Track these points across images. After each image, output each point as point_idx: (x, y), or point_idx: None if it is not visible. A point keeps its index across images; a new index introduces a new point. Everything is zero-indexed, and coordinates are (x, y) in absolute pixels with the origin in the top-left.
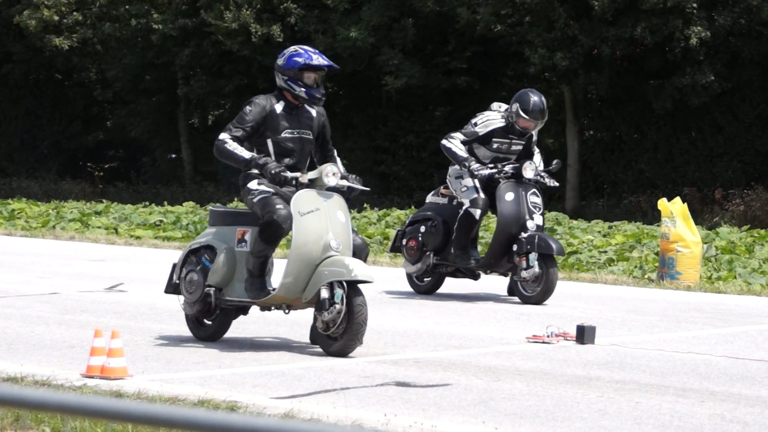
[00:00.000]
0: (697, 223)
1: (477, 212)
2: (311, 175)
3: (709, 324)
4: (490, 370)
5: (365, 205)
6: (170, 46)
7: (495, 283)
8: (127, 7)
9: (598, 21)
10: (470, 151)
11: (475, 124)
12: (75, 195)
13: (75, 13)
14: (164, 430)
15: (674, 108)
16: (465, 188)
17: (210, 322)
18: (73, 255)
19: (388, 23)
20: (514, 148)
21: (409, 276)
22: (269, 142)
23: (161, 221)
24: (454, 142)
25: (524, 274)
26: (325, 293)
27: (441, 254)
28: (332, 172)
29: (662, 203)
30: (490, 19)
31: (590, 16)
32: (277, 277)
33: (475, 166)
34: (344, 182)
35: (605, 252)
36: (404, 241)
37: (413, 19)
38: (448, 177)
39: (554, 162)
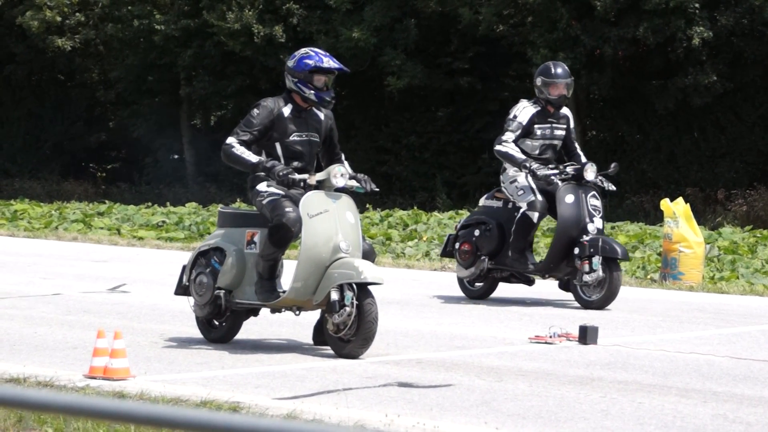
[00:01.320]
0: (699, 224)
1: (535, 215)
2: (319, 176)
3: (712, 324)
4: (493, 371)
5: (367, 206)
6: (173, 47)
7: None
8: (129, 7)
9: (600, 21)
10: (520, 149)
11: (515, 117)
12: (77, 196)
13: (77, 14)
14: (167, 430)
15: (677, 108)
16: (521, 191)
17: (221, 324)
18: (75, 256)
19: (390, 24)
20: (557, 132)
21: (461, 280)
22: (277, 145)
23: (164, 222)
24: (509, 145)
25: (587, 278)
26: (335, 295)
27: (496, 258)
28: (340, 173)
29: (665, 203)
30: (493, 20)
31: (592, 17)
32: (287, 279)
33: (535, 166)
34: (353, 183)
35: None
36: (457, 245)
37: (415, 20)
38: (501, 183)
39: (612, 165)
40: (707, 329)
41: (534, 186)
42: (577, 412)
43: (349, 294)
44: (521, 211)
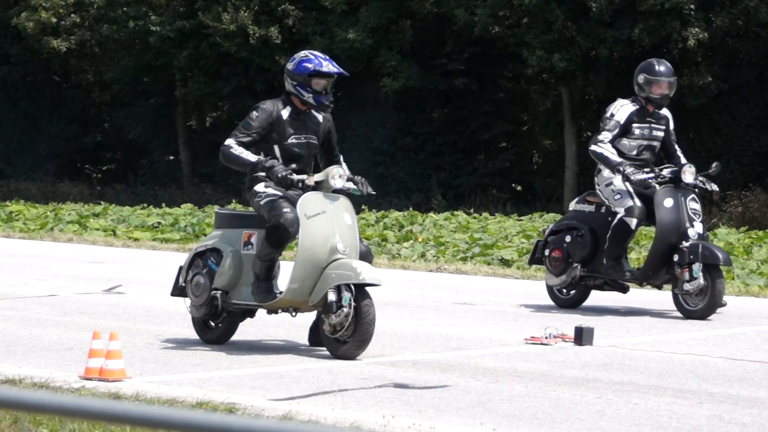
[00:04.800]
0: None
1: (633, 222)
2: (317, 177)
3: (707, 325)
4: (489, 372)
5: (363, 207)
6: (168, 48)
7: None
8: (124, 9)
9: (595, 22)
10: (616, 150)
11: (612, 115)
12: (73, 197)
13: (73, 15)
14: None
15: (672, 109)
16: (618, 195)
17: (217, 325)
18: (71, 257)
19: (385, 25)
20: (655, 132)
21: (550, 288)
22: (276, 148)
23: (159, 223)
24: (605, 146)
25: (687, 286)
26: (332, 296)
27: (588, 266)
28: (338, 174)
29: None
30: (488, 21)
31: (588, 18)
32: (283, 280)
33: (629, 170)
34: (350, 184)
35: None
36: (546, 252)
37: (411, 21)
38: (596, 185)
39: (713, 165)
40: (703, 330)
41: (632, 190)
42: (572, 413)
43: (346, 295)
44: (618, 216)
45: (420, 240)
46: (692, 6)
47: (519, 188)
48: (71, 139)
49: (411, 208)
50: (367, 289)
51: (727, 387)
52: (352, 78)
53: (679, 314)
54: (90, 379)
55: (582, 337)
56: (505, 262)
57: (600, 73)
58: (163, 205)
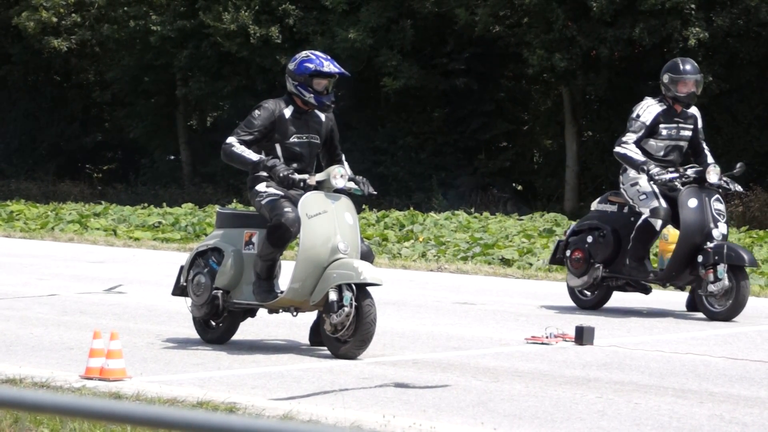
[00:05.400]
0: None
1: (658, 223)
2: (319, 177)
3: (708, 325)
4: (489, 371)
5: (363, 207)
6: (169, 48)
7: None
8: (125, 8)
9: (596, 22)
10: (642, 150)
11: (638, 116)
12: (74, 197)
13: (73, 15)
14: (163, 431)
15: None
16: (643, 195)
17: (218, 325)
18: (71, 257)
19: (386, 24)
20: (683, 132)
21: (572, 289)
22: (278, 147)
23: (160, 223)
24: (629, 147)
25: (712, 287)
26: (333, 296)
27: (611, 266)
28: (340, 174)
29: None
30: (489, 20)
31: (588, 17)
32: (285, 280)
33: (654, 170)
34: (351, 184)
35: None
36: (568, 253)
37: (411, 21)
38: (621, 184)
39: (738, 165)
40: (703, 330)
41: (657, 191)
42: (573, 412)
43: (348, 294)
44: (643, 217)
45: (421, 240)
46: (693, 5)
47: (520, 188)
48: (72, 138)
49: (412, 208)
50: (369, 288)
51: (728, 387)
52: (352, 78)
53: (679, 313)
54: (91, 379)
55: (583, 336)
56: (506, 262)
57: (600, 72)
58: (164, 204)
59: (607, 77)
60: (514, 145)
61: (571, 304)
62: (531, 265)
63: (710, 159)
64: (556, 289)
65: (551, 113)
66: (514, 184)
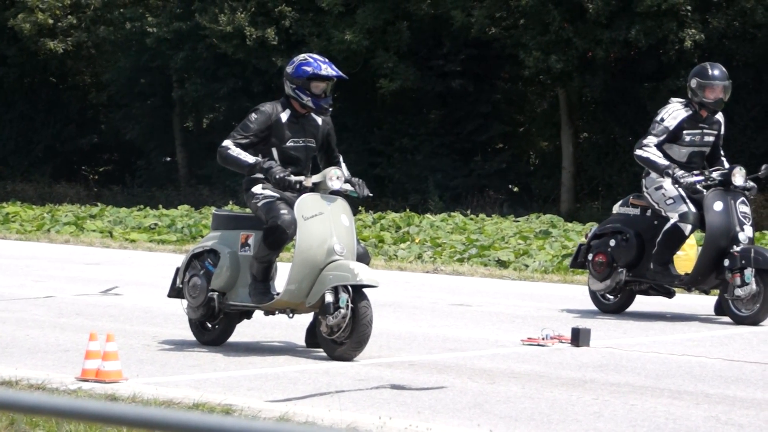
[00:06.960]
0: None
1: (687, 228)
2: (315, 178)
3: (704, 326)
4: (485, 373)
5: (360, 208)
6: (165, 50)
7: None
8: (121, 10)
9: (592, 24)
10: (664, 154)
11: (662, 120)
12: (69, 198)
13: (69, 17)
14: None
15: None
16: (671, 200)
17: (214, 327)
18: (67, 258)
19: (382, 26)
20: (707, 138)
21: (594, 293)
22: (274, 151)
23: (156, 224)
24: (650, 150)
25: (739, 291)
26: (329, 297)
27: (634, 270)
28: (336, 176)
29: None
30: (485, 22)
31: (584, 19)
32: (281, 282)
33: (679, 173)
34: (347, 186)
35: None
36: (590, 256)
37: (408, 22)
38: (644, 188)
39: (763, 167)
40: (700, 331)
41: (684, 195)
42: (569, 414)
43: (344, 296)
44: (672, 222)
45: (417, 241)
46: (689, 7)
47: (516, 189)
48: (68, 140)
49: (408, 210)
50: (365, 290)
51: (724, 388)
52: (348, 79)
53: (675, 315)
54: (87, 381)
55: (579, 338)
56: (502, 264)
57: (597, 74)
58: (160, 206)
59: (603, 79)
60: (510, 147)
61: (568, 305)
62: (527, 266)
63: (726, 164)
64: (552, 290)
65: (547, 115)
66: (510, 186)
